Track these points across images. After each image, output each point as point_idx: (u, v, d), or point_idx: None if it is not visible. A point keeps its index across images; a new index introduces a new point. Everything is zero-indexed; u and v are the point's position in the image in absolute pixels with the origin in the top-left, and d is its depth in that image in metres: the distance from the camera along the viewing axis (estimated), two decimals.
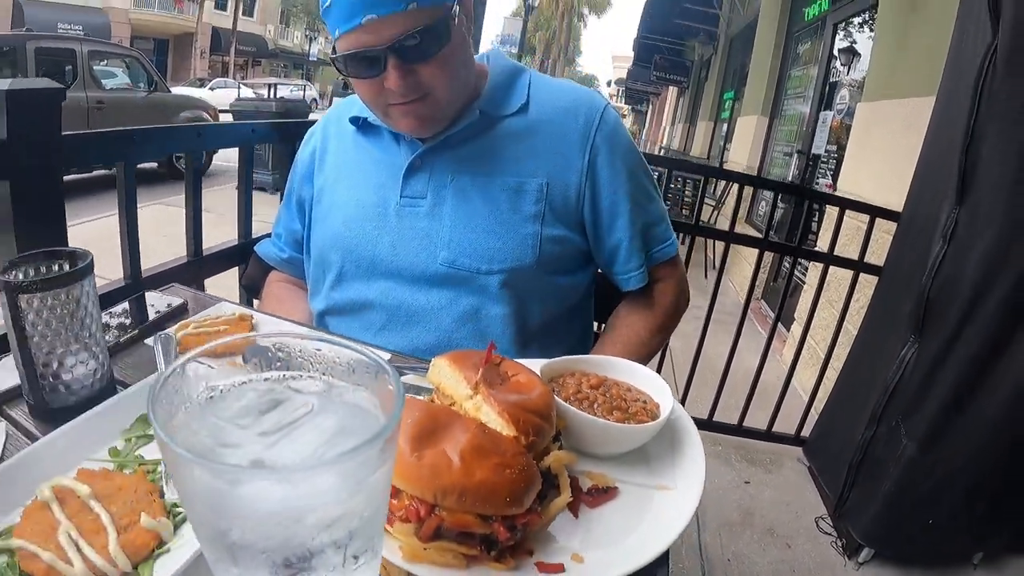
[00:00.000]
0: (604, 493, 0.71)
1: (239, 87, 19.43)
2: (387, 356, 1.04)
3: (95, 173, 7.56)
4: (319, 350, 0.46)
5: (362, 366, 0.44)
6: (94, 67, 8.24)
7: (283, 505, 0.34)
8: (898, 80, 3.37)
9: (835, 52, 5.16)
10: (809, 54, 5.97)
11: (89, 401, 0.81)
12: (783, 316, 4.20)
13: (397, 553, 0.56)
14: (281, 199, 1.45)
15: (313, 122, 1.44)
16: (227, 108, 9.75)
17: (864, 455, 2.21)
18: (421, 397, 0.80)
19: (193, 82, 25.19)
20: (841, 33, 5.18)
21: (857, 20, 4.92)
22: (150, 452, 0.74)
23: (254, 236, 1.79)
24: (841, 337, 2.81)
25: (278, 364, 0.46)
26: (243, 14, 34.21)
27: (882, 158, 3.40)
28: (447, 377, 0.71)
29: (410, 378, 0.91)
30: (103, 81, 8.50)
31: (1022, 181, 1.76)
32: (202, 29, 31.29)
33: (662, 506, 0.71)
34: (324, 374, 0.46)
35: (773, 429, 2.92)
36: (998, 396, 1.89)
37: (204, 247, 1.70)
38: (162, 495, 0.65)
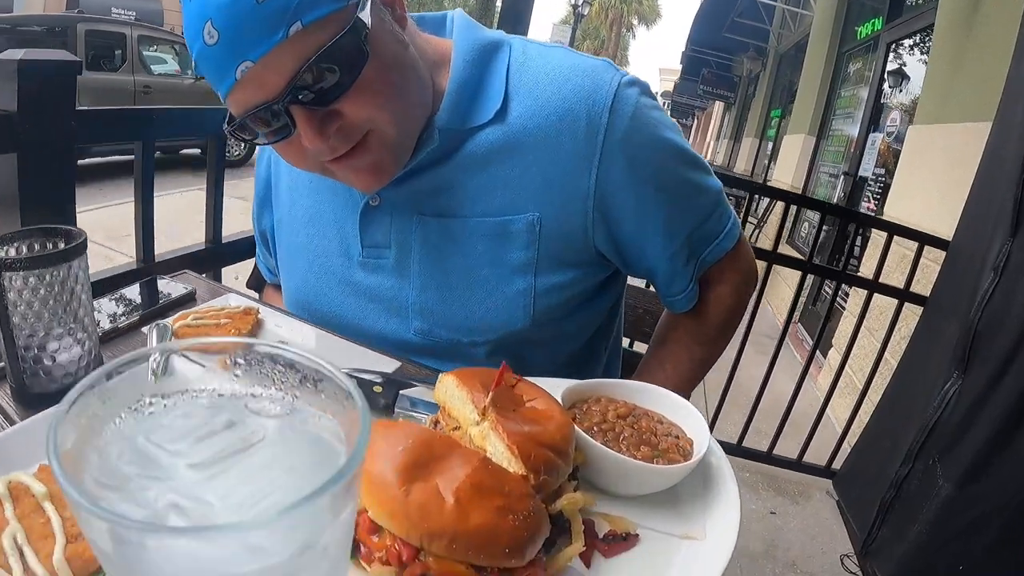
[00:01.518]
0: (622, 541, 0.62)
1: None
2: (396, 365, 0.95)
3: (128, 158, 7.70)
4: (292, 365, 0.37)
5: (330, 387, 0.35)
6: (143, 52, 8.46)
7: (201, 567, 0.26)
8: (952, 104, 3.27)
9: (887, 73, 5.01)
10: (860, 74, 5.81)
11: (71, 388, 0.75)
12: (821, 343, 4.07)
13: None
14: None
15: None
16: None
17: (897, 492, 2.13)
18: (422, 416, 0.71)
19: None
20: (894, 53, 5.00)
21: (911, 41, 4.75)
22: None
23: None
24: (881, 367, 2.71)
25: (238, 374, 0.38)
26: None
27: (932, 184, 3.29)
28: (454, 397, 0.63)
29: (418, 391, 0.82)
30: (152, 66, 8.72)
31: None
32: None
33: (687, 559, 0.62)
34: (289, 394, 0.37)
35: (804, 459, 2.83)
36: None
37: (234, 235, 1.66)
38: None
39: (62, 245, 0.74)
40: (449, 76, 0.87)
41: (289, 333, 0.99)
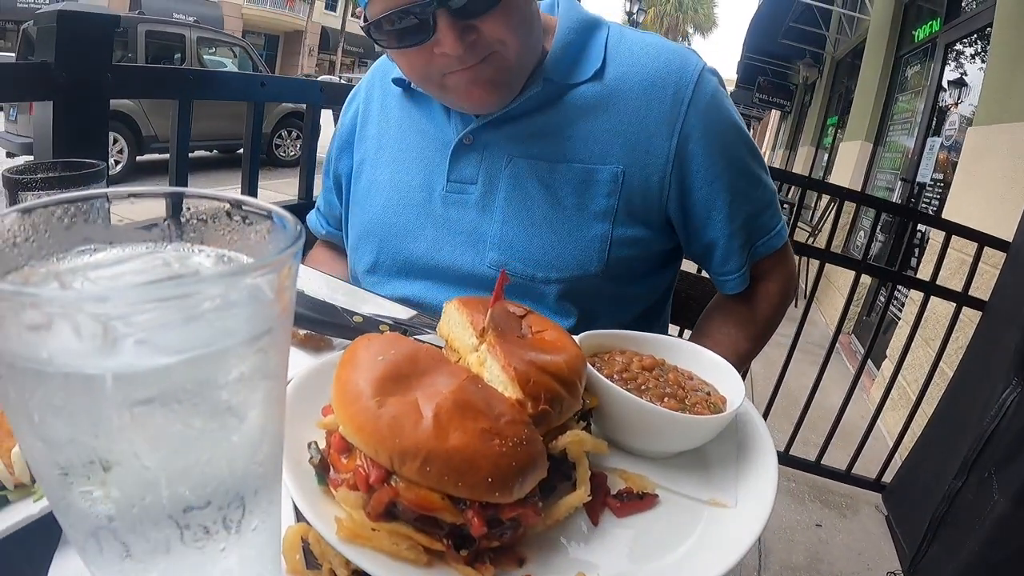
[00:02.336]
0: (639, 500, 0.54)
1: (339, 81, 20.26)
2: (411, 314, 0.91)
3: (197, 154, 8.03)
4: (229, 212, 0.32)
5: (263, 228, 0.30)
6: (203, 54, 8.74)
7: (84, 359, 0.22)
8: (1013, 103, 3.13)
9: (945, 74, 4.78)
10: (918, 78, 5.59)
11: None
12: (876, 354, 3.89)
13: (332, 526, 0.40)
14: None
15: None
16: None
17: (949, 507, 2.00)
18: None
19: (300, 78, 26.41)
20: (952, 55, 4.78)
21: (969, 40, 4.54)
22: None
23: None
24: (936, 378, 2.57)
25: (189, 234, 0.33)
26: (352, 15, 35.65)
27: (993, 187, 3.15)
28: (455, 324, 0.56)
29: (430, 338, 0.76)
30: (211, 68, 8.99)
31: None
32: (311, 28, 32.85)
33: (713, 526, 0.53)
34: (227, 244, 0.32)
35: (853, 471, 2.70)
36: None
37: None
38: None
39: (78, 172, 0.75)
40: (554, 39, 0.96)
41: (303, 282, 0.96)
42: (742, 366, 1.06)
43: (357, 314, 0.76)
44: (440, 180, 0.99)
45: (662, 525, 0.53)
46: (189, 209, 0.33)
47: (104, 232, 0.32)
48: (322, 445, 0.46)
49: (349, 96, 1.18)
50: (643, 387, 0.62)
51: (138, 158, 7.76)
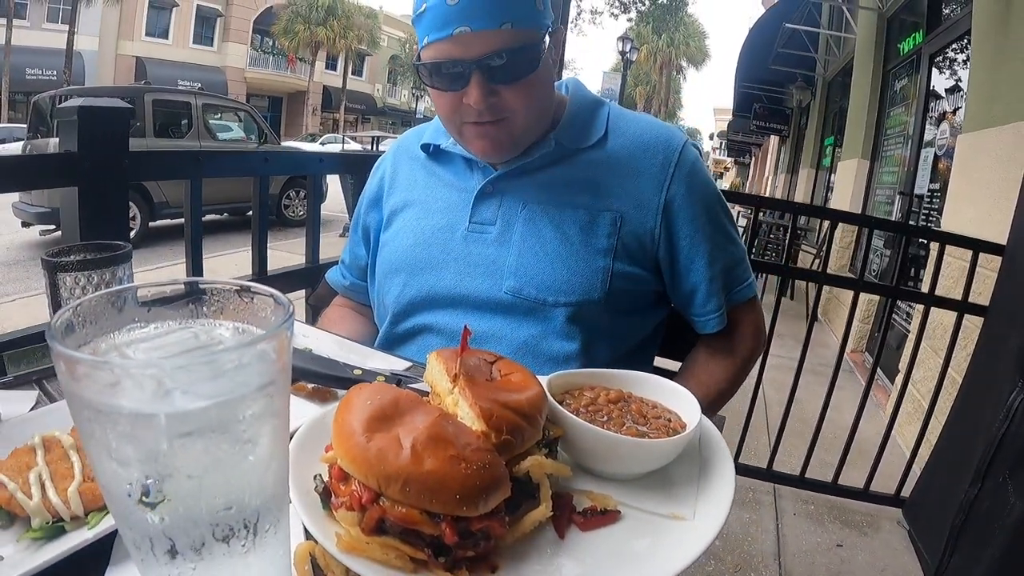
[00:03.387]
0: (602, 516, 0.62)
1: (344, 140, 20.76)
2: (407, 365, 1.00)
3: (208, 217, 8.25)
4: (239, 295, 0.44)
5: (267, 307, 0.42)
6: (209, 120, 9.03)
7: (144, 408, 0.32)
8: (997, 107, 3.17)
9: (931, 85, 4.87)
10: (907, 90, 5.66)
11: None
12: (889, 369, 3.90)
13: (334, 541, 0.50)
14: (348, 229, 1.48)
15: (380, 154, 1.46)
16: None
17: (967, 516, 1.98)
18: None
19: (305, 137, 27.17)
20: (936, 65, 4.88)
21: (952, 49, 4.62)
22: None
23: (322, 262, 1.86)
24: (947, 386, 2.57)
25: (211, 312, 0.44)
26: (352, 74, 36.83)
27: (986, 191, 3.18)
28: (434, 372, 0.66)
29: (418, 385, 0.86)
30: (217, 133, 9.27)
31: None
32: (313, 88, 33.92)
33: (668, 535, 0.61)
34: (240, 318, 0.44)
35: (871, 488, 2.70)
36: None
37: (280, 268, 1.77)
38: None
39: (109, 254, 0.84)
40: (566, 112, 1.17)
41: (315, 342, 1.06)
42: (721, 403, 1.21)
43: (358, 368, 0.86)
44: (463, 222, 1.15)
45: (622, 536, 0.61)
46: (207, 293, 0.44)
47: (146, 314, 0.44)
48: (325, 478, 0.55)
49: (375, 165, 1.37)
50: (607, 418, 0.71)
51: (151, 224, 8.02)
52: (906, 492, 2.65)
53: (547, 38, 1.04)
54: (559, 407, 0.67)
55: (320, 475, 0.56)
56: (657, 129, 1.17)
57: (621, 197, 1.11)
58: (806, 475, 2.74)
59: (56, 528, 0.58)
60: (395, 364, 1.00)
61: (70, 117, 1.29)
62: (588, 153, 1.14)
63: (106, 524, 0.58)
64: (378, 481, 0.48)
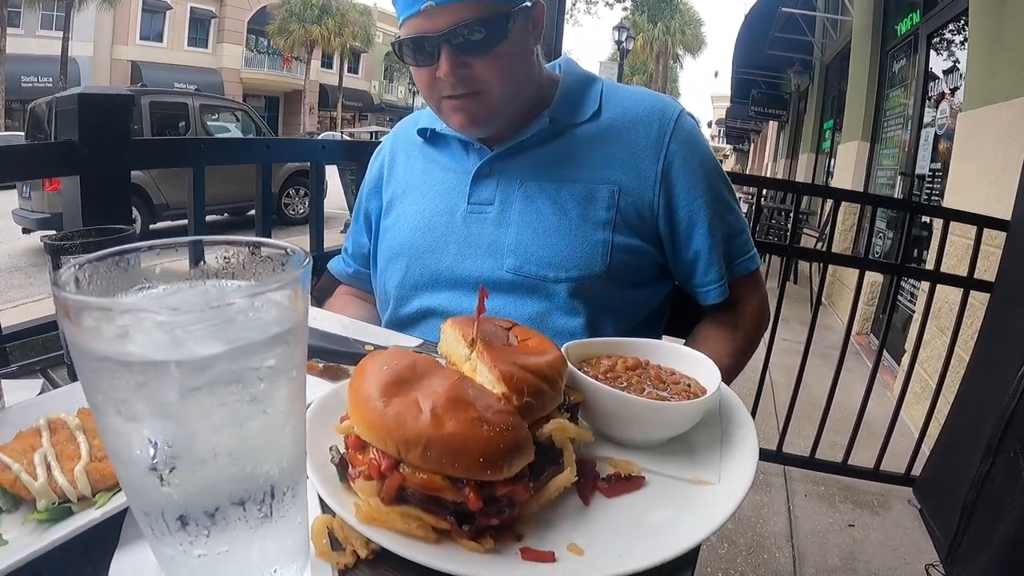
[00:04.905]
0: (626, 481, 0.60)
1: (341, 136, 20.73)
2: (417, 343, 0.99)
3: (209, 218, 8.26)
4: (252, 251, 0.42)
5: (279, 260, 0.40)
6: (206, 120, 9.00)
7: (158, 354, 0.30)
8: (996, 84, 3.15)
9: (930, 65, 4.84)
10: (905, 72, 5.64)
11: None
12: (896, 350, 3.89)
13: (352, 511, 0.48)
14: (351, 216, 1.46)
15: (379, 143, 1.45)
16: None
17: (980, 492, 1.97)
18: None
19: (303, 136, 27.05)
20: (934, 45, 4.84)
21: (949, 29, 4.60)
22: None
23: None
24: (954, 364, 2.55)
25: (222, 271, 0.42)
26: (348, 72, 36.64)
27: (988, 168, 3.16)
28: (450, 339, 0.64)
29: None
30: (215, 134, 9.20)
31: None
32: (310, 87, 33.78)
33: (695, 500, 0.60)
34: (253, 276, 0.41)
35: (881, 468, 2.67)
36: None
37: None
38: None
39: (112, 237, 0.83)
40: (559, 89, 1.16)
41: (322, 324, 1.05)
42: (731, 374, 1.18)
43: (368, 344, 0.84)
44: (461, 204, 1.15)
45: (649, 502, 0.59)
46: (217, 255, 0.42)
47: (154, 276, 0.42)
48: (341, 449, 0.53)
49: (374, 153, 1.37)
50: (626, 384, 0.69)
51: (151, 226, 8.01)
52: (916, 471, 2.64)
53: (520, 10, 1.02)
54: (580, 373, 0.65)
55: (335, 447, 0.54)
56: (651, 100, 1.16)
57: (618, 169, 1.10)
58: (816, 456, 2.72)
59: (63, 509, 0.57)
60: (404, 341, 0.98)
61: (70, 106, 1.27)
62: (583, 127, 1.13)
63: (114, 503, 0.56)
64: (397, 446, 0.46)
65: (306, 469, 0.41)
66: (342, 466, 0.52)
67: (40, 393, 0.82)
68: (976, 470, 1.99)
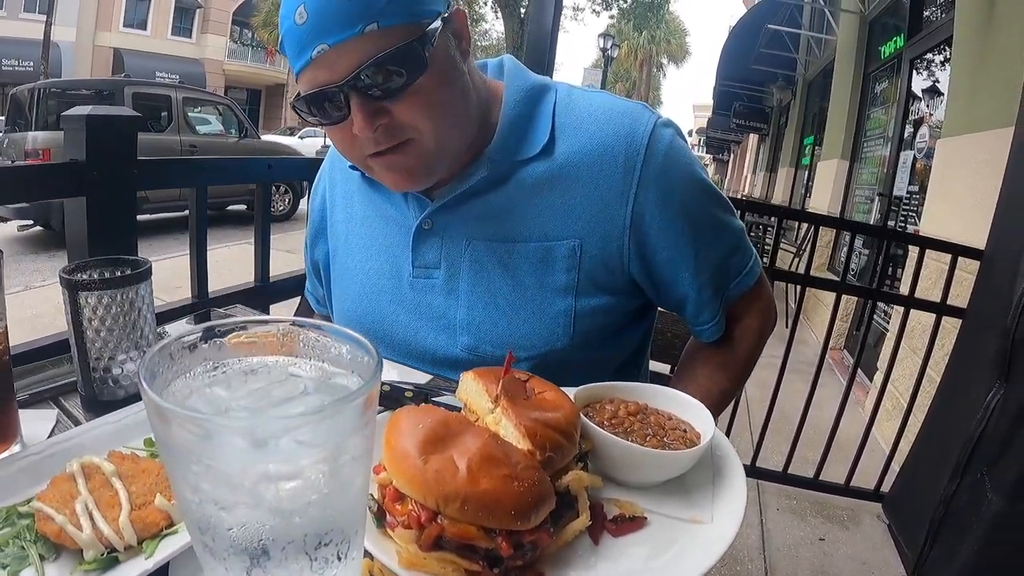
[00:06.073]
0: (630, 522, 0.66)
1: (324, 135, 20.50)
2: (428, 378, 1.02)
3: (184, 213, 8.19)
4: (317, 338, 0.46)
5: (355, 350, 0.44)
6: (188, 113, 8.90)
7: (246, 460, 0.34)
8: (977, 113, 3.24)
9: (912, 89, 4.98)
10: (887, 93, 5.79)
11: (136, 396, 0.85)
12: (868, 367, 4.00)
13: (394, 558, 0.54)
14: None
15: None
16: (314, 156, 10.35)
17: (946, 510, 2.07)
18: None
19: (284, 130, 26.71)
20: (917, 69, 4.99)
21: (932, 54, 4.73)
22: None
23: None
24: (925, 385, 2.65)
25: (282, 349, 0.46)
26: None
27: (965, 196, 3.25)
28: (472, 391, 0.69)
29: (445, 398, 0.89)
30: (197, 127, 9.13)
31: None
32: (292, 80, 33.40)
33: (692, 539, 0.66)
34: (321, 360, 0.46)
35: (851, 483, 2.77)
36: None
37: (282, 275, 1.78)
38: None
39: (129, 271, 0.86)
40: (501, 113, 0.95)
41: None
42: (725, 403, 1.11)
43: (385, 383, 0.88)
44: (406, 266, 1.03)
45: (652, 540, 0.66)
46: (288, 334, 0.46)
47: (218, 352, 0.46)
48: (376, 496, 0.59)
49: (314, 183, 1.21)
50: (629, 430, 0.75)
51: None
52: (885, 487, 2.73)
53: (438, 26, 0.82)
54: (589, 423, 0.71)
55: (372, 495, 0.60)
56: (616, 120, 0.95)
57: (577, 219, 0.94)
58: (789, 471, 2.81)
59: (110, 559, 0.58)
60: (413, 377, 1.02)
61: (77, 126, 1.27)
62: (533, 166, 0.95)
63: (163, 553, 0.59)
64: (436, 501, 0.52)
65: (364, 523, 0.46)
66: (379, 514, 0.58)
67: (55, 424, 0.84)
68: (943, 489, 2.07)
